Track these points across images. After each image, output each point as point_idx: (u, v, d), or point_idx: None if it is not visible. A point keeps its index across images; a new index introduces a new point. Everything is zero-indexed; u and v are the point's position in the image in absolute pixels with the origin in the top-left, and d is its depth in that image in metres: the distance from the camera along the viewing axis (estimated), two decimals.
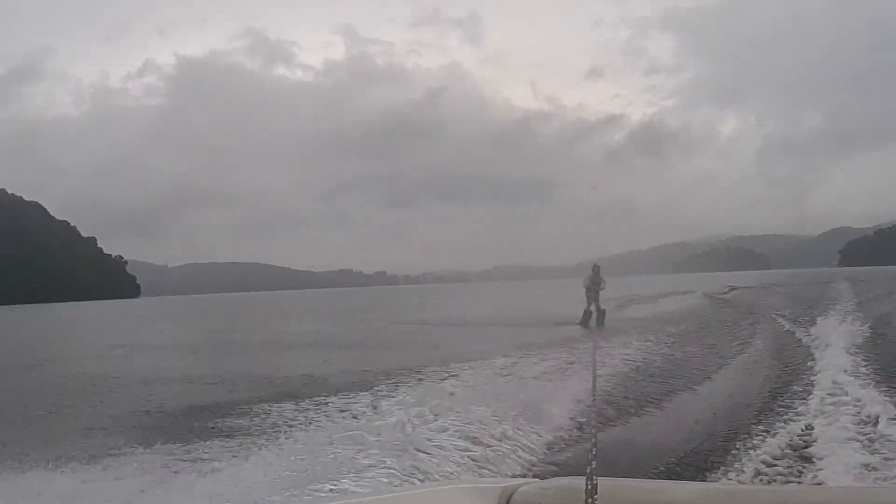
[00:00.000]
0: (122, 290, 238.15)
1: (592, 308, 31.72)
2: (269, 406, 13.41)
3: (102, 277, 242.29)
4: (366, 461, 8.08)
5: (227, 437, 10.95)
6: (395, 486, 7.00)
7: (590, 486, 2.20)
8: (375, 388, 14.09)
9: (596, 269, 32.52)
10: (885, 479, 8.32)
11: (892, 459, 8.94)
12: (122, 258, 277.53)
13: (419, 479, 7.51)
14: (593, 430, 3.10)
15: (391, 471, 7.75)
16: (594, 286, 31.84)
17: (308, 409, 12.86)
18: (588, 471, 2.27)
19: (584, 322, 31.34)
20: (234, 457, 9.37)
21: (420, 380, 14.18)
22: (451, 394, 11.75)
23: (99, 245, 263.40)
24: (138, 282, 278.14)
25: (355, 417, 11.79)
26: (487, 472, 8.20)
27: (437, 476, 7.68)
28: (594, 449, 2.46)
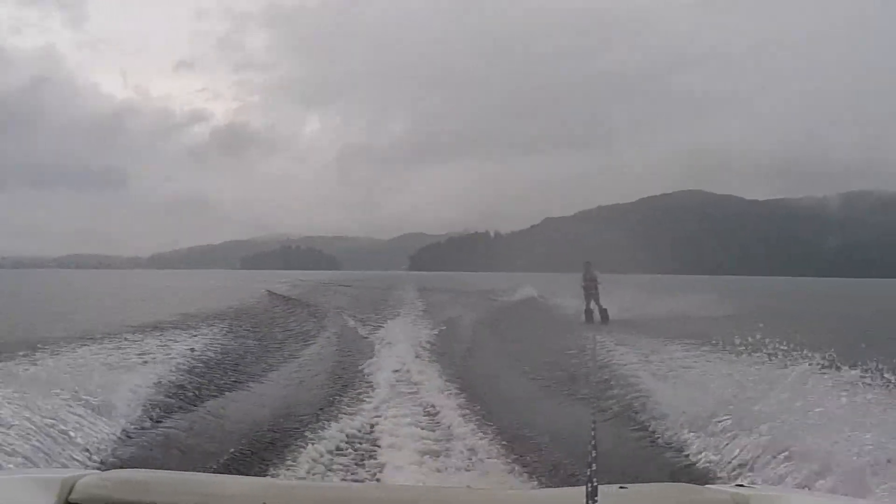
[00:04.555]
0: None
1: (593, 306, 31.99)
2: None
3: None
4: None
5: None
6: None
7: (589, 489, 2.31)
8: None
9: (587, 266, 32.97)
10: (442, 471, 9.09)
11: (451, 452, 9.84)
12: None
13: None
14: (593, 433, 2.97)
15: None
16: (591, 283, 32.25)
17: None
18: (589, 473, 2.41)
19: (588, 319, 31.40)
20: None
21: None
22: (8, 379, 10.52)
23: None
24: None
25: None
26: (47, 463, 7.76)
27: None
28: (594, 452, 2.58)
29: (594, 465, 2.54)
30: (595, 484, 2.34)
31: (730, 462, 8.73)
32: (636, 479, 5.24)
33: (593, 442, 2.91)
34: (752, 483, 6.95)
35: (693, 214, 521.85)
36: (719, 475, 8.48)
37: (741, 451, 8.74)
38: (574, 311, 33.72)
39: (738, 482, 6.83)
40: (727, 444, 9.14)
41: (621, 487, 3.08)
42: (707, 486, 3.48)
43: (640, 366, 15.95)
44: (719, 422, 9.75)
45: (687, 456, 9.57)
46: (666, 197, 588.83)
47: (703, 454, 9.33)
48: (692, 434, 10.01)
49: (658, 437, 10.67)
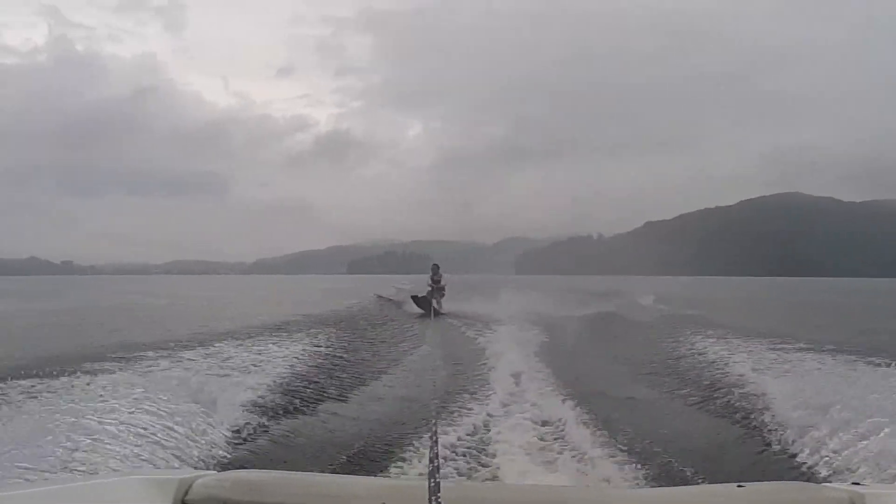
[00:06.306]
0: None
1: (435, 303, 35.96)
2: None
3: None
4: (34, 451, 7.21)
5: None
6: (64, 477, 6.50)
7: (433, 484, 2.40)
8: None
9: (434, 269, 38.36)
10: (555, 471, 8.93)
11: (564, 452, 9.72)
12: None
13: (91, 471, 6.86)
14: (434, 428, 3.28)
15: (61, 461, 7.03)
16: (436, 284, 37.27)
17: None
18: (430, 468, 2.53)
19: (426, 312, 34.00)
20: None
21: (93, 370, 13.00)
22: (131, 384, 10.96)
23: None
24: None
25: None
26: (165, 464, 7.88)
27: (111, 467, 7.14)
28: (436, 447, 2.73)
29: (437, 460, 2.69)
30: (438, 480, 2.42)
31: (847, 460, 8.45)
32: (753, 478, 5.17)
33: (435, 438, 3.07)
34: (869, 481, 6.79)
35: (790, 216, 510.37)
36: (836, 474, 8.23)
37: (857, 449, 8.45)
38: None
39: (854, 480, 6.65)
40: (843, 443, 8.85)
41: (739, 486, 3.11)
42: (823, 484, 3.53)
43: (744, 363, 15.90)
44: (833, 420, 9.46)
45: (803, 454, 9.33)
46: (764, 199, 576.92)
47: (818, 453, 9.05)
48: (807, 432, 9.73)
49: (772, 436, 10.44)
